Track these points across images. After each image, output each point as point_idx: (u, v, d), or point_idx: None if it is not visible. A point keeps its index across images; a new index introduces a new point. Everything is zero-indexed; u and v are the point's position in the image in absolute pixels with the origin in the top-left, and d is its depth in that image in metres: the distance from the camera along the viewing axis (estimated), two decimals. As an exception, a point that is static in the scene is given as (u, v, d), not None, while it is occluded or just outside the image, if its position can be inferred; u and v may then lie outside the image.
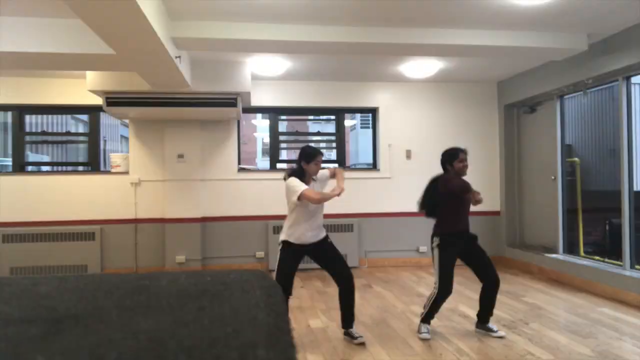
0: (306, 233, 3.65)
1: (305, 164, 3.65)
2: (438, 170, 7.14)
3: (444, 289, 3.72)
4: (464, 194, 3.73)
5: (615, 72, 5.00)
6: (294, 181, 3.57)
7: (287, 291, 3.63)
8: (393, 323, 4.18)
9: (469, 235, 3.84)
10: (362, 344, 3.63)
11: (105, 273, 6.00)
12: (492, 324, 3.84)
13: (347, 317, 3.77)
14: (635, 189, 5.08)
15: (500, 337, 3.70)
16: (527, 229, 6.89)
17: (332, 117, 7.31)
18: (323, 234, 3.78)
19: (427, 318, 3.82)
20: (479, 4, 4.09)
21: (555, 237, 6.16)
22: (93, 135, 6.67)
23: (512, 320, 4.20)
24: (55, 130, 11.87)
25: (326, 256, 3.75)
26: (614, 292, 4.93)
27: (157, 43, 3.85)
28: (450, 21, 4.50)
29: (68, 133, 12.23)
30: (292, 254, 3.65)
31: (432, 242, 3.85)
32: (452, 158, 3.81)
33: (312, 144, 4.06)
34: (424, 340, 3.71)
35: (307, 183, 3.61)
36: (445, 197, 3.76)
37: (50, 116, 11.20)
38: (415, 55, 5.48)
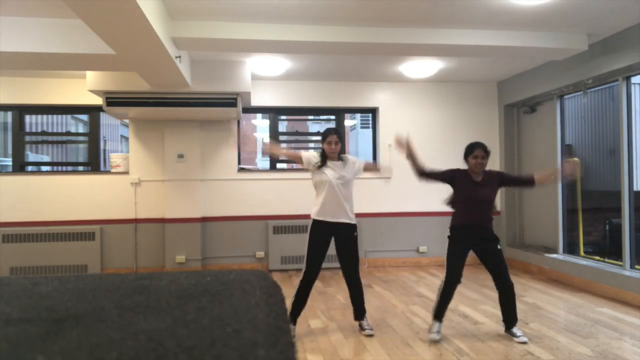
0: (325, 207, 3.88)
1: (322, 144, 3.94)
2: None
3: (449, 276, 3.73)
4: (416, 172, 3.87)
5: (615, 72, 5.00)
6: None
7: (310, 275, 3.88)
8: (393, 323, 4.18)
9: (485, 233, 3.76)
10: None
11: (105, 273, 6.01)
12: (516, 329, 3.74)
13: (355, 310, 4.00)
14: (635, 189, 5.08)
15: (522, 343, 3.60)
16: (527, 229, 6.89)
17: (332, 117, 7.31)
18: (344, 219, 3.88)
19: (436, 313, 3.79)
20: (479, 4, 4.09)
21: (555, 237, 6.16)
22: (93, 135, 6.67)
23: (512, 320, 4.20)
24: (55, 130, 11.85)
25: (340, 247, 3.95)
26: (614, 292, 4.93)
27: (157, 43, 3.85)
28: (450, 21, 4.50)
29: (68, 133, 12.23)
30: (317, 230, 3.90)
31: None
32: (467, 153, 3.84)
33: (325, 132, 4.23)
34: (431, 341, 3.67)
35: (325, 162, 3.90)
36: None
37: (50, 116, 11.19)
38: (415, 55, 5.48)
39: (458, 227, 3.80)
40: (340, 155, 3.93)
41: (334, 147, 3.84)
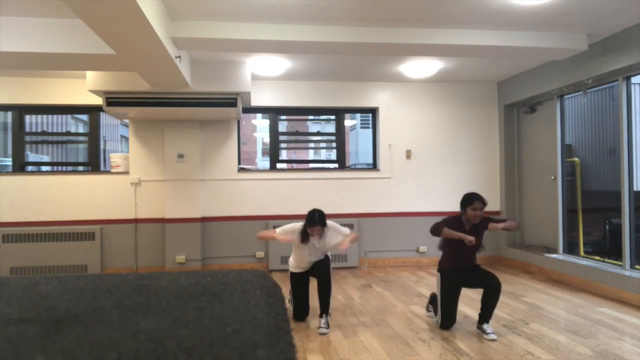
0: (300, 265, 4.30)
1: (306, 227, 4.12)
2: (437, 170, 7.18)
3: (444, 320, 3.95)
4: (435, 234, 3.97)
5: (615, 72, 5.00)
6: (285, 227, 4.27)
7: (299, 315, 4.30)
8: (393, 323, 4.18)
9: (473, 268, 4.00)
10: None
11: (105, 273, 6.00)
12: (487, 326, 3.84)
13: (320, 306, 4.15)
14: (635, 189, 5.08)
15: (491, 340, 3.69)
16: (527, 229, 6.89)
17: (332, 117, 7.31)
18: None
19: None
20: (479, 4, 4.09)
21: (555, 237, 6.16)
22: (93, 135, 6.67)
23: (512, 320, 4.20)
24: (55, 130, 11.85)
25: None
26: (614, 292, 4.93)
27: (157, 43, 3.85)
28: (450, 21, 4.50)
29: (68, 133, 12.23)
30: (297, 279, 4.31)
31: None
32: (466, 203, 3.93)
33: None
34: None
35: (305, 241, 4.12)
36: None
37: (50, 116, 11.18)
38: (415, 55, 5.48)
39: (448, 272, 4.00)
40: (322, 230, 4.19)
41: (315, 234, 4.12)
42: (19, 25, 4.21)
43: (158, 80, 5.23)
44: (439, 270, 4.05)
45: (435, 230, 3.92)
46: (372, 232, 6.82)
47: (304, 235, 4.11)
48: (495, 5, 4.13)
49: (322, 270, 4.17)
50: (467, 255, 3.96)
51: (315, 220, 4.06)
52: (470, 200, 3.90)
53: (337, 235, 4.23)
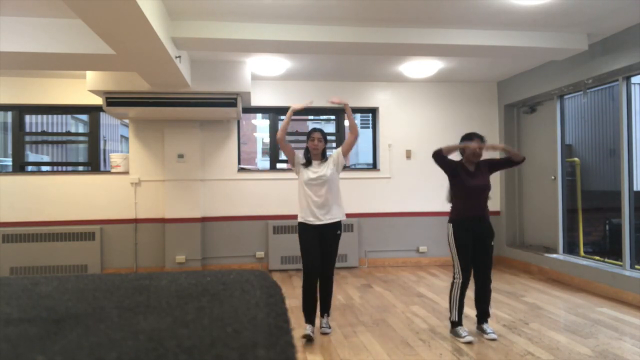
0: (305, 208, 3.91)
1: (307, 143, 4.02)
2: (437, 170, 7.17)
3: (465, 275, 3.77)
4: (440, 155, 3.85)
5: (615, 72, 5.00)
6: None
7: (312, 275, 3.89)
8: (393, 323, 4.18)
9: (485, 226, 3.83)
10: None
11: (105, 273, 6.00)
12: (487, 325, 3.82)
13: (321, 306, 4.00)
14: (635, 189, 5.08)
15: (491, 340, 3.67)
16: (527, 229, 6.89)
17: (332, 117, 7.31)
18: (329, 219, 3.87)
19: (459, 318, 3.81)
20: (479, 4, 4.09)
21: (555, 237, 6.16)
22: (93, 135, 6.67)
23: (512, 320, 4.20)
24: (55, 130, 11.84)
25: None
26: (614, 292, 4.93)
27: (157, 43, 3.85)
28: (450, 21, 4.50)
29: (68, 133, 12.22)
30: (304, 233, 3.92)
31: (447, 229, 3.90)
32: (465, 140, 3.89)
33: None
34: (468, 342, 3.63)
35: (313, 159, 3.98)
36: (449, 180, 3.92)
37: (50, 116, 11.18)
38: (415, 55, 5.48)
39: (460, 221, 3.82)
40: (324, 154, 4.04)
41: (316, 142, 3.94)
42: (19, 25, 4.21)
43: (158, 80, 5.23)
44: (450, 221, 3.87)
45: (437, 152, 3.86)
46: (372, 232, 6.82)
47: (307, 156, 3.98)
48: (495, 5, 4.13)
49: (328, 257, 3.92)
50: (477, 200, 3.82)
51: (315, 128, 4.04)
52: (470, 138, 3.85)
53: (335, 158, 4.02)
